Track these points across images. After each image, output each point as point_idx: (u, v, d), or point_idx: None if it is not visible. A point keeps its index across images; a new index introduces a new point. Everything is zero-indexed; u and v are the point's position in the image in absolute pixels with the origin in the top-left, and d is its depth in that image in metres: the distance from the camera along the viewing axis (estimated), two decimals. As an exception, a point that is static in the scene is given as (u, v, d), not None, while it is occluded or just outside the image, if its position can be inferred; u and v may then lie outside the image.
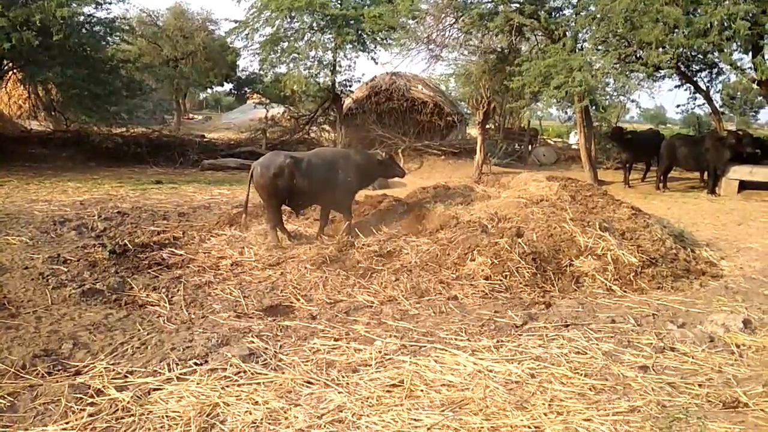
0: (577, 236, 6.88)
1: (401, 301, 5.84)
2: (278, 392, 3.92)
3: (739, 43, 13.11)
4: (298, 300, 5.87)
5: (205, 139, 21.68)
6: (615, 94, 14.40)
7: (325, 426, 3.49)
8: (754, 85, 14.72)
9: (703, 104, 17.98)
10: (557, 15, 14.99)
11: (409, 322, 5.29)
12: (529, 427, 3.51)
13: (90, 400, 3.75)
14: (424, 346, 4.69)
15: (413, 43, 16.03)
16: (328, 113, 21.49)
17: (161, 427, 3.47)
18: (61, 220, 8.67)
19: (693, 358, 4.56)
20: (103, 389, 3.89)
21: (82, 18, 15.75)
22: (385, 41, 18.72)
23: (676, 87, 17.30)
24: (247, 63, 41.85)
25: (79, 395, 3.79)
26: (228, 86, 35.61)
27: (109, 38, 16.79)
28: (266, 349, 4.60)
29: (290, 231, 8.02)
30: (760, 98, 39.15)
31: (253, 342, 4.71)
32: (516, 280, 6.28)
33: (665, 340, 4.88)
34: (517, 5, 14.46)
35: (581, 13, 14.15)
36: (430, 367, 4.30)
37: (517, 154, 21.14)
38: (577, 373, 4.24)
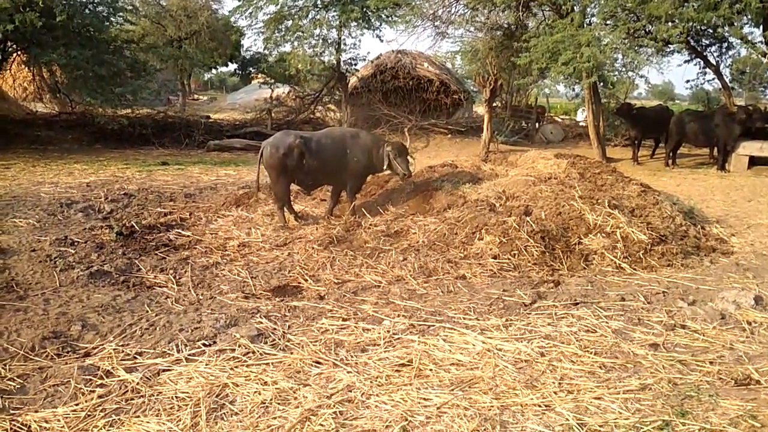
0: (586, 214, 6.83)
1: (409, 280, 5.82)
2: (287, 372, 3.92)
3: (749, 17, 12.89)
4: (306, 280, 5.85)
5: (211, 120, 21.62)
6: (624, 69, 14.24)
7: (334, 406, 3.48)
8: (765, 60, 14.48)
9: (713, 79, 17.72)
10: (565, -11, 14.75)
11: (417, 301, 5.28)
12: (539, 406, 3.49)
13: (99, 381, 3.77)
14: (433, 326, 4.68)
15: (419, 19, 15.86)
16: (333, 92, 21.36)
17: (171, 408, 3.48)
18: (67, 202, 8.66)
19: (704, 335, 4.53)
20: (112, 371, 3.90)
21: (84, -2, 15.65)
22: (390, 18, 18.51)
23: (685, 62, 17.08)
24: (252, 42, 41.86)
25: (88, 377, 3.81)
26: (232, 66, 35.54)
27: (112, 18, 16.64)
28: (275, 329, 4.60)
29: (297, 211, 8.00)
30: (770, 73, 38.65)
31: (261, 322, 4.70)
32: (524, 258, 6.24)
33: (676, 318, 4.85)
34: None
35: (590, -13, 13.93)
36: (439, 347, 4.29)
37: (525, 132, 20.99)
38: (587, 351, 4.22)
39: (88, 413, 3.42)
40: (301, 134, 7.68)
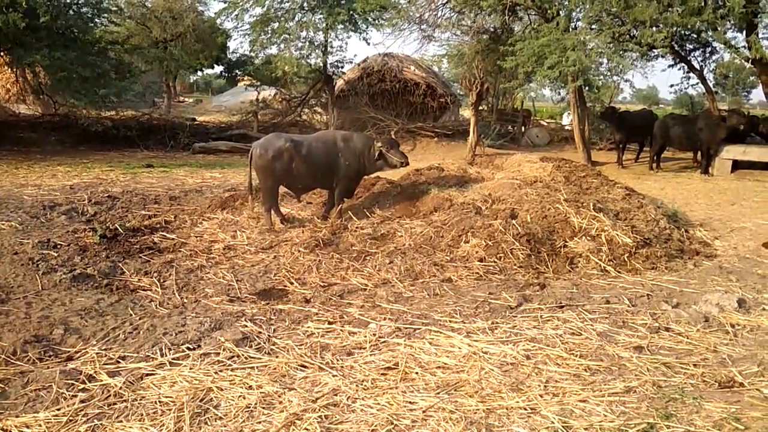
0: (571, 217, 6.85)
1: (395, 283, 5.81)
2: (272, 376, 3.89)
3: (733, 22, 13.02)
4: (292, 283, 5.83)
5: (196, 122, 21.51)
6: (609, 73, 14.31)
7: (319, 409, 3.46)
8: (748, 64, 14.64)
9: (696, 84, 17.86)
10: (550, -7, 14.84)
11: (404, 304, 5.27)
12: (525, 409, 3.50)
13: (81, 386, 3.72)
14: (419, 329, 4.67)
15: (405, 23, 15.88)
16: (319, 95, 21.34)
17: (154, 413, 3.44)
18: (50, 205, 8.58)
19: (688, 338, 4.55)
20: (94, 375, 3.86)
21: (68, -1, 15.53)
22: (377, 21, 18.53)
23: (669, 67, 17.20)
24: (238, 44, 41.74)
25: (70, 381, 3.76)
26: (218, 68, 35.39)
27: (96, 20, 16.54)
28: (260, 333, 4.57)
29: (284, 214, 7.96)
30: (752, 78, 39.18)
31: (246, 326, 4.67)
32: (510, 261, 6.26)
33: (660, 321, 4.88)
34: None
35: (575, -8, 14.00)
36: (425, 350, 4.29)
37: (511, 136, 21.10)
38: (573, 354, 4.23)
39: (70, 418, 3.38)
40: (293, 138, 7.63)
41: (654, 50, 13.80)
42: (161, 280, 5.82)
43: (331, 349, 4.32)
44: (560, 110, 29.31)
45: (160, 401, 3.56)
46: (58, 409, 3.46)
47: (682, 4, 11.94)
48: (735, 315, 4.96)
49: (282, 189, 7.88)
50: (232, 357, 4.15)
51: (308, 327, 4.72)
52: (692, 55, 16.62)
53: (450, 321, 4.83)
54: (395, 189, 8.50)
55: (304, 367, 4.04)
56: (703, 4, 11.86)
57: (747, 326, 4.78)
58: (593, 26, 13.44)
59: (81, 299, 5.22)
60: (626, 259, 6.41)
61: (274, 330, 4.67)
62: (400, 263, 6.23)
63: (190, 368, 3.96)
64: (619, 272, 6.20)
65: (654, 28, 12.38)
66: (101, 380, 3.79)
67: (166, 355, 4.14)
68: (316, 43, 18.82)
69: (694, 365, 4.08)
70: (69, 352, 4.21)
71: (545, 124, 25.73)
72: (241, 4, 18.18)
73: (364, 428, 3.30)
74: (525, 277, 6.03)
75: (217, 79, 48.10)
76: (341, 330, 4.67)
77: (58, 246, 6.58)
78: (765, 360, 4.12)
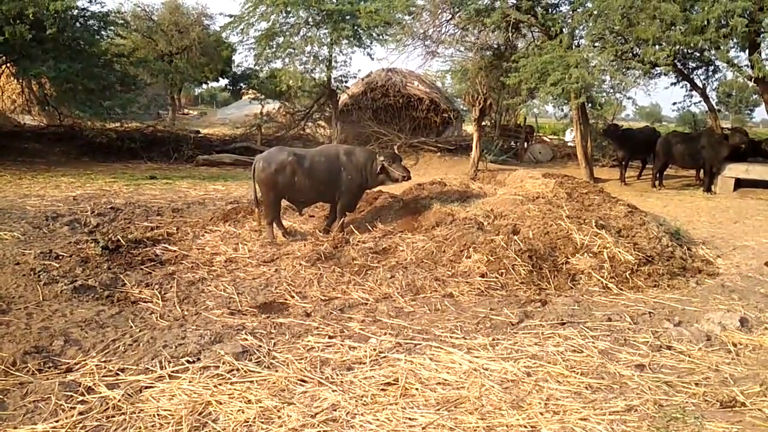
0: (574, 234, 6.85)
1: (396, 298, 5.80)
2: (271, 391, 3.87)
3: (736, 41, 13.10)
4: (293, 297, 5.82)
5: (200, 135, 21.61)
6: (611, 91, 14.38)
7: (318, 425, 3.44)
8: (750, 83, 14.68)
9: (699, 102, 17.94)
10: (554, 11, 14.95)
11: (404, 319, 5.26)
12: (525, 427, 3.47)
13: (80, 398, 3.71)
14: (419, 344, 4.66)
15: (409, 39, 15.97)
16: (323, 109, 21.45)
17: (152, 426, 3.42)
18: (53, 216, 8.60)
19: (690, 356, 4.53)
20: (93, 387, 3.85)
21: (75, 11, 15.67)
22: (381, 37, 18.66)
23: (672, 85, 17.28)
24: (243, 58, 41.98)
25: (69, 393, 3.75)
26: (223, 82, 35.55)
27: (103, 32, 16.72)
28: (260, 346, 4.55)
29: (285, 227, 7.96)
30: (755, 96, 39.28)
31: (246, 339, 4.66)
32: (512, 277, 6.24)
33: (662, 339, 4.86)
34: (514, 1, 14.41)
35: (578, 10, 14.10)
36: (425, 366, 4.27)
37: (513, 151, 21.13)
38: (574, 371, 4.21)
39: (68, 430, 3.37)
40: (295, 151, 7.66)
41: (657, 68, 13.87)
42: (162, 293, 5.81)
43: (331, 364, 4.31)
44: (563, 127, 29.31)
45: (158, 414, 3.54)
46: (57, 421, 3.45)
47: (685, 23, 12.02)
48: (737, 334, 4.94)
49: (284, 202, 7.89)
50: (232, 370, 4.14)
51: (308, 341, 4.71)
52: (695, 73, 16.70)
53: (451, 337, 4.82)
54: (397, 203, 8.49)
55: (304, 381, 4.02)
56: (705, 23, 11.93)
57: (749, 345, 4.76)
58: (596, 44, 13.53)
59: (82, 310, 5.21)
60: (628, 276, 6.40)
61: (274, 344, 4.66)
62: (401, 278, 6.23)
63: (190, 381, 3.95)
64: (621, 289, 6.18)
65: (657, 47, 12.45)
66: (100, 392, 3.78)
67: (166, 368, 4.12)
68: (320, 58, 18.94)
69: (696, 384, 4.06)
70: (68, 363, 4.20)
71: (548, 140, 25.75)
72: (246, 18, 18.34)
73: (363, 444, 3.28)
74: (526, 293, 6.01)
75: (222, 92, 48.35)
76: (341, 344, 4.66)
77: (60, 257, 6.58)
78: (767, 380, 4.10)
